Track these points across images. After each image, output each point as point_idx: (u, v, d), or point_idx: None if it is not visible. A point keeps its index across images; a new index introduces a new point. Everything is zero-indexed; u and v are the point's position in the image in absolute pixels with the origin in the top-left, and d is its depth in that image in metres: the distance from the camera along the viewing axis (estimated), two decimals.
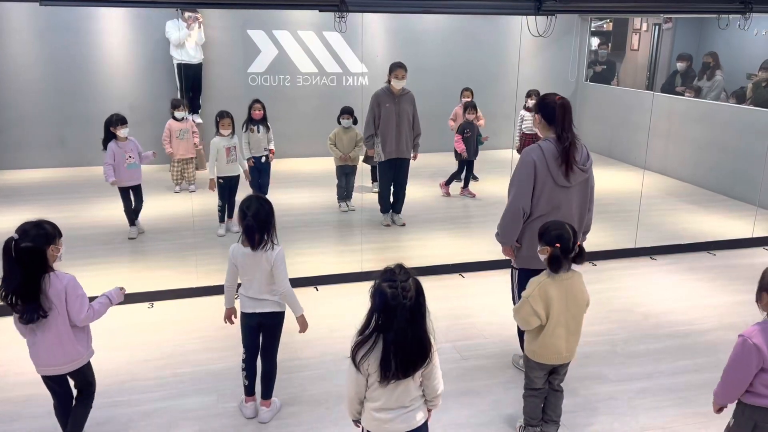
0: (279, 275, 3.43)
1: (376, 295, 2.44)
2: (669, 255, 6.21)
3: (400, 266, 2.49)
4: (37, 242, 2.91)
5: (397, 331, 2.40)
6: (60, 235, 3.03)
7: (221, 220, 6.55)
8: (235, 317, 3.62)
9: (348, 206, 7.39)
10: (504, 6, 5.53)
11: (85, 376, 3.23)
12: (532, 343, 3.27)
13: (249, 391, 3.65)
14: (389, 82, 6.47)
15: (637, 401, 3.85)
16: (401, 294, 2.39)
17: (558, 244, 3.10)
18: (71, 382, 3.25)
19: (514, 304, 4.04)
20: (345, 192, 7.39)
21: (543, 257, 3.20)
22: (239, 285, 3.54)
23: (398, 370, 2.44)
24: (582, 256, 3.21)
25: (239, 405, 3.71)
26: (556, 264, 3.14)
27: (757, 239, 6.60)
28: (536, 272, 3.30)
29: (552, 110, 3.68)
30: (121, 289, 3.28)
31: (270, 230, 3.37)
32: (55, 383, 3.18)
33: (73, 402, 3.27)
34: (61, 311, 2.99)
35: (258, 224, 3.31)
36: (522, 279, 3.89)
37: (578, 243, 3.19)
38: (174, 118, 7.83)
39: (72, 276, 3.03)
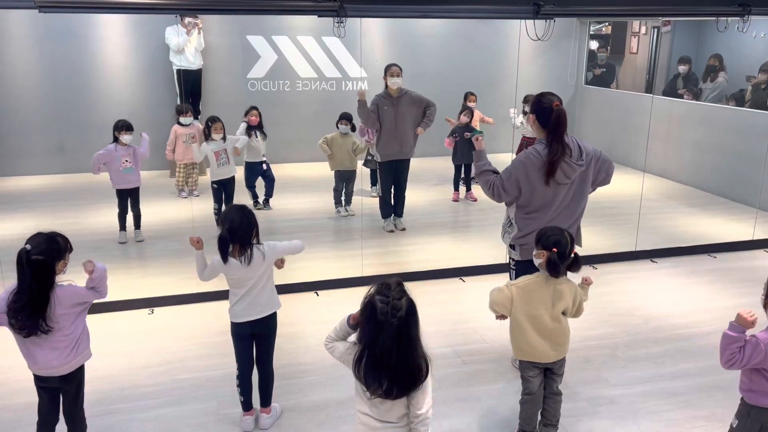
0: (287, 248, 3.45)
1: (367, 306, 2.39)
2: (669, 258, 6.20)
3: (397, 282, 2.42)
4: (48, 256, 2.86)
5: (383, 348, 2.33)
6: (71, 249, 2.99)
7: (218, 223, 6.56)
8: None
9: (347, 211, 7.37)
10: (502, 10, 5.53)
11: (78, 388, 3.12)
12: (516, 339, 3.26)
13: (246, 406, 3.59)
14: (386, 85, 6.49)
15: (638, 405, 3.83)
16: (390, 312, 2.33)
17: (555, 249, 3.11)
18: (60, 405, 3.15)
19: None
20: (343, 196, 7.37)
21: (538, 261, 3.21)
22: (228, 296, 3.47)
23: (384, 390, 2.37)
24: (577, 264, 3.19)
25: (240, 421, 3.63)
26: (554, 269, 3.13)
27: (758, 242, 6.59)
28: (533, 264, 3.29)
29: (546, 114, 3.67)
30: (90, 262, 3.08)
31: (249, 241, 3.28)
32: (46, 388, 3.08)
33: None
34: (62, 323, 2.94)
35: (232, 237, 3.25)
36: (521, 273, 3.89)
37: (574, 251, 3.19)
38: (180, 123, 7.82)
39: (70, 288, 2.98)
